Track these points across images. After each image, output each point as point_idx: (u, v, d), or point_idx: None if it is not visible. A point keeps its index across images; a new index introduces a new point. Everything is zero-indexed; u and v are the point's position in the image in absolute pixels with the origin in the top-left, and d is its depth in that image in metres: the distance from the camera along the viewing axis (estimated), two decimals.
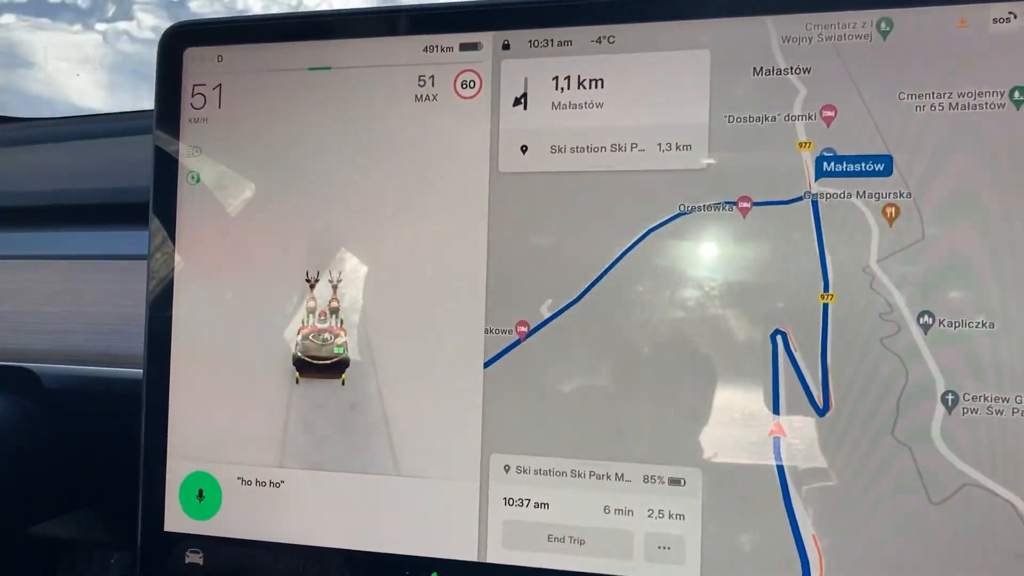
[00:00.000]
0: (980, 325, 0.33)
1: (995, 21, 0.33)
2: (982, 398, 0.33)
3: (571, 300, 0.37)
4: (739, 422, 0.35)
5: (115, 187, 0.64)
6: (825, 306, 0.35)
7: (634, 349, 0.36)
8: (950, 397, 0.34)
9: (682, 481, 0.36)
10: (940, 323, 0.34)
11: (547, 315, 0.37)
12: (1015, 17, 0.33)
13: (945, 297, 0.34)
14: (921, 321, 0.34)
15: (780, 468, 0.35)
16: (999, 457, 0.33)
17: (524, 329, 0.37)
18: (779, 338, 0.35)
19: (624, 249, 0.36)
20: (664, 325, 0.36)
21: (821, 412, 0.35)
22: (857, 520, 0.34)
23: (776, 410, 0.35)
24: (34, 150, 0.72)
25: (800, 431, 0.35)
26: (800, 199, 0.35)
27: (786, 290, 0.35)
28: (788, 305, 0.35)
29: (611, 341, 0.36)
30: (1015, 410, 0.33)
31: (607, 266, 0.36)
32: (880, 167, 0.34)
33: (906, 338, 0.34)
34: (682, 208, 0.36)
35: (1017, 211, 0.33)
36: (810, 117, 0.35)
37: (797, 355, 0.35)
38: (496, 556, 0.37)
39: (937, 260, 0.34)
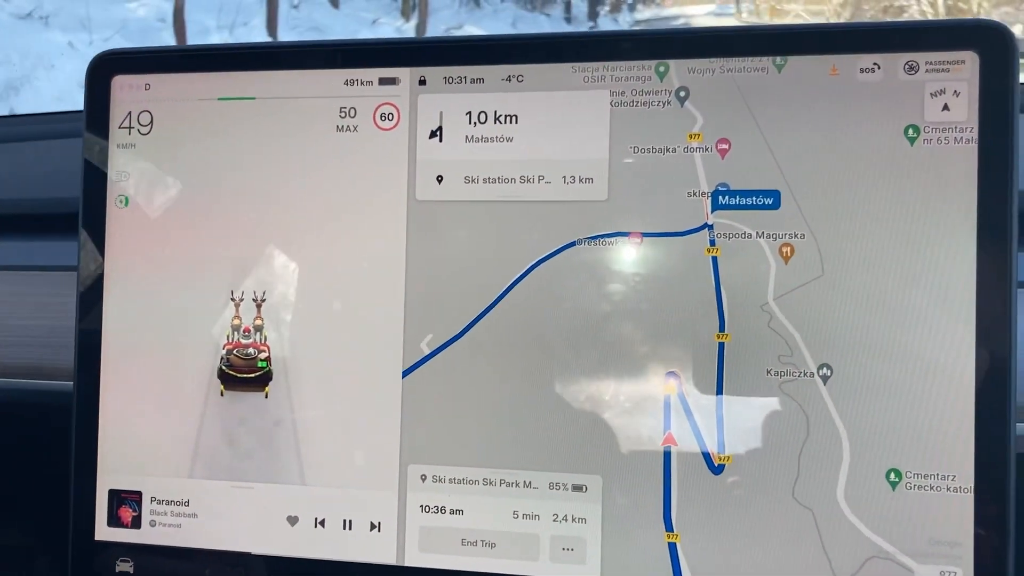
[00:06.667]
0: (881, 378, 0.35)
1: (862, 71, 0.37)
2: (889, 461, 0.35)
3: (471, 320, 0.39)
4: (634, 439, 0.38)
5: (47, 196, 0.64)
6: (721, 345, 0.37)
7: (536, 371, 0.39)
8: (858, 454, 0.35)
9: (584, 487, 0.39)
10: (840, 374, 0.35)
11: (434, 347, 0.39)
12: (878, 68, 0.37)
13: (845, 342, 0.35)
14: (821, 372, 0.36)
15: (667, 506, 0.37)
16: (910, 526, 0.34)
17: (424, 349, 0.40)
18: (672, 380, 0.37)
19: (516, 277, 0.39)
20: (560, 351, 0.38)
21: (716, 469, 0.37)
22: None
23: (667, 465, 0.37)
24: None
25: (691, 476, 0.37)
26: (696, 231, 0.38)
27: (679, 327, 0.37)
28: (681, 343, 0.37)
29: (513, 361, 0.39)
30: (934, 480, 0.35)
31: (504, 290, 0.39)
32: (769, 201, 0.37)
33: (807, 385, 0.36)
34: (576, 239, 0.39)
35: (915, 249, 0.36)
36: (706, 150, 0.38)
37: (690, 400, 0.37)
38: (413, 560, 0.40)
39: (838, 298, 0.36)
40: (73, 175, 0.44)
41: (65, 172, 0.52)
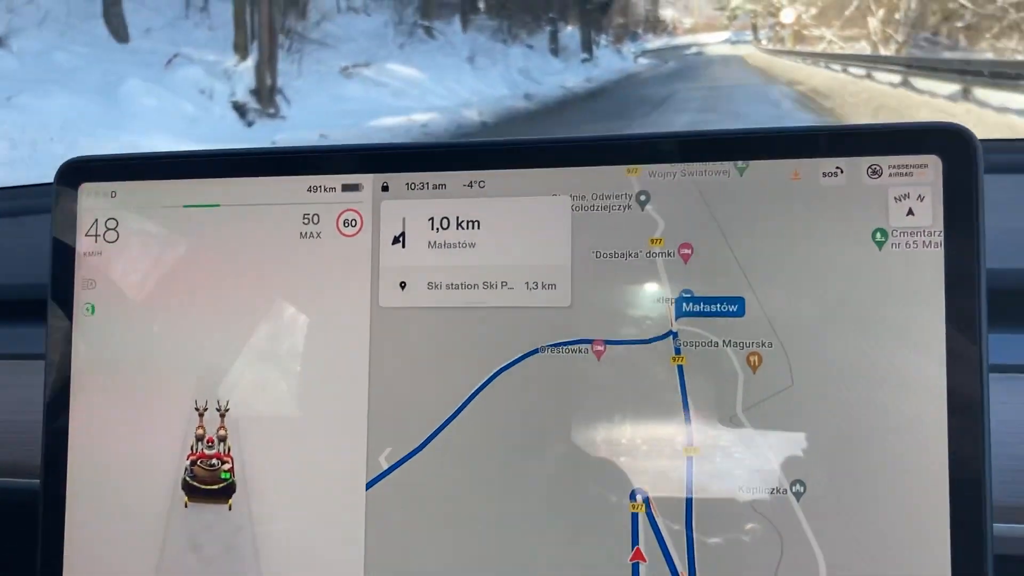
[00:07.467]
0: (856, 493, 0.34)
1: (825, 175, 0.36)
2: None
3: (433, 431, 0.38)
4: (601, 557, 0.37)
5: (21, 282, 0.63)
6: (690, 460, 0.36)
7: (500, 485, 0.38)
8: None
9: None
10: (814, 490, 0.34)
11: (392, 461, 0.39)
12: (841, 172, 0.36)
13: (817, 455, 0.34)
14: (794, 489, 0.35)
15: None
16: None
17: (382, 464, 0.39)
18: (639, 496, 0.36)
19: (477, 387, 0.38)
20: (523, 464, 0.38)
21: None
22: None
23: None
24: None
25: None
26: (661, 339, 0.37)
27: (646, 440, 0.36)
28: (648, 457, 0.36)
29: (477, 475, 0.38)
30: None
31: (465, 400, 0.38)
32: (734, 308, 0.36)
33: (779, 502, 0.34)
34: (539, 347, 0.38)
35: (887, 357, 0.34)
36: (669, 255, 0.37)
37: (659, 519, 0.35)
38: None
39: (808, 409, 0.34)
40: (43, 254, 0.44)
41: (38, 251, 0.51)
